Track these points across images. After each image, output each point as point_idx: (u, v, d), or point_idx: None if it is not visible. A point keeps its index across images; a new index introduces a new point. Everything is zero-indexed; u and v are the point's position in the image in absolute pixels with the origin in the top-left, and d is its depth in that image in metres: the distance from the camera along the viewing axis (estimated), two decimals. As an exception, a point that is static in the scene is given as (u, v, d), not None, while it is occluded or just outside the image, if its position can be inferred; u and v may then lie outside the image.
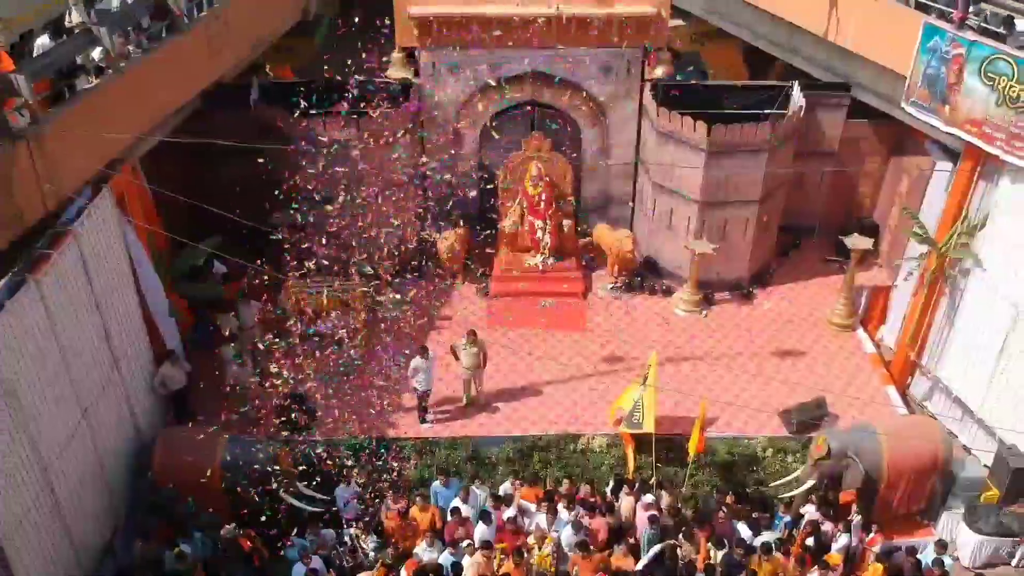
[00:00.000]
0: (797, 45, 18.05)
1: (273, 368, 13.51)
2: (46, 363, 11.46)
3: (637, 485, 13.79)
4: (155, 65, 13.49)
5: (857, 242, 16.66)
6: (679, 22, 22.87)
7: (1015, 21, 13.81)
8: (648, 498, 13.27)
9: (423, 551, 12.64)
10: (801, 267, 18.92)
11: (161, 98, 13.88)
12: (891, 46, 15.53)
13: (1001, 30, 13.87)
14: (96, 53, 12.64)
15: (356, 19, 15.69)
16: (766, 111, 17.63)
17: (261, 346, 14.68)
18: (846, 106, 17.87)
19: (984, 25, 14.10)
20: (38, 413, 11.29)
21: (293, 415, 14.45)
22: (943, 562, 12.67)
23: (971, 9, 14.19)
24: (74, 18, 13.20)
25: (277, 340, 13.99)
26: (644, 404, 13.93)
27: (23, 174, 11.18)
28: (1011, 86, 13.51)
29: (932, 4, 14.86)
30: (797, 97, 17.28)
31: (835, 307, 17.47)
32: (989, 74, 13.83)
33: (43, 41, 12.69)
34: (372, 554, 12.85)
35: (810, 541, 13.01)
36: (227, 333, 15.05)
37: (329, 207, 15.04)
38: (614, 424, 14.52)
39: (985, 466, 14.70)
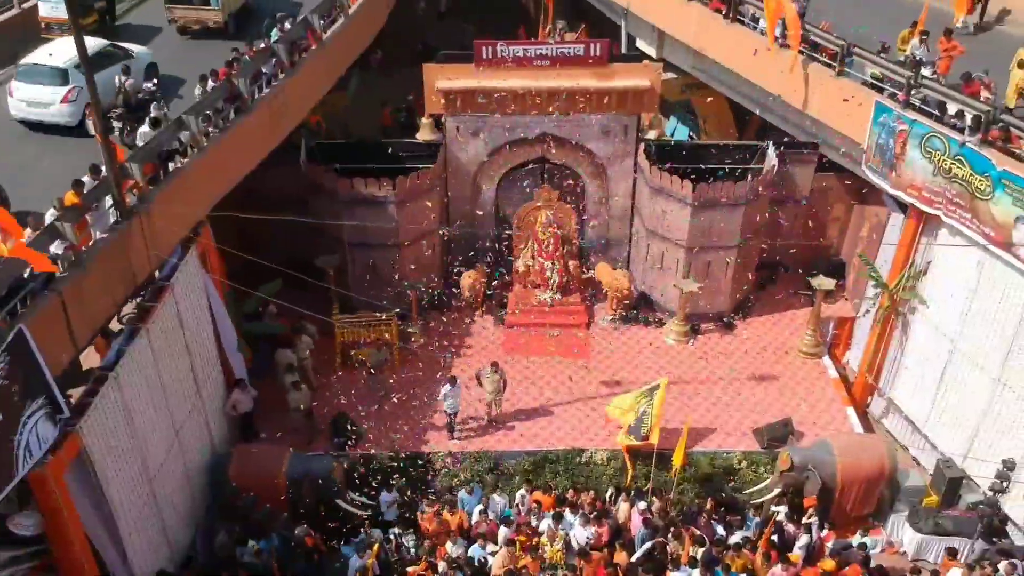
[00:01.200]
0: (772, 106, 20.69)
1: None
2: (152, 395, 14.17)
3: (632, 492, 16.46)
4: (229, 142, 16.17)
5: (822, 283, 19.36)
6: (671, 75, 25.62)
7: (947, 106, 16.47)
8: (642, 504, 15.94)
9: (452, 548, 15.32)
10: (776, 301, 21.61)
11: (234, 168, 16.55)
12: (849, 118, 18.18)
13: (936, 112, 16.54)
14: (184, 136, 15.32)
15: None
16: (744, 167, 20.34)
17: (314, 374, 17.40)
18: (815, 161, 20.54)
19: (923, 107, 16.76)
20: (146, 435, 14.01)
21: (342, 433, 17.16)
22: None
23: (913, 92, 16.84)
24: (152, 111, 15.97)
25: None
26: (651, 420, 16.43)
27: (135, 243, 13.86)
28: (944, 160, 16.19)
29: (882, 85, 17.52)
30: (771, 156, 19.96)
31: (804, 337, 20.16)
32: (927, 148, 16.50)
33: (144, 129, 15.34)
34: (412, 550, 15.52)
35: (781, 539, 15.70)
36: (285, 365, 17.74)
37: (367, 251, 17.76)
38: (616, 428, 17.02)
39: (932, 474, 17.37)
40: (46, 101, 17.10)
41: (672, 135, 28.55)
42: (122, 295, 13.86)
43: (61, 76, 17.12)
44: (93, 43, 16.60)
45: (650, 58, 25.61)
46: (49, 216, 12.86)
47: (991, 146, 15.49)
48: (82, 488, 12.59)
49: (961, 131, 15.93)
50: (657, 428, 16.32)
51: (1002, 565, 15.02)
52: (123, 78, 17.57)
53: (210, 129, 15.79)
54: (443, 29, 36.34)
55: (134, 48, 19.08)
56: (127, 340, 13.65)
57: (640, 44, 26.36)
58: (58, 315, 12.24)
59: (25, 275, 11.84)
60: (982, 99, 16.74)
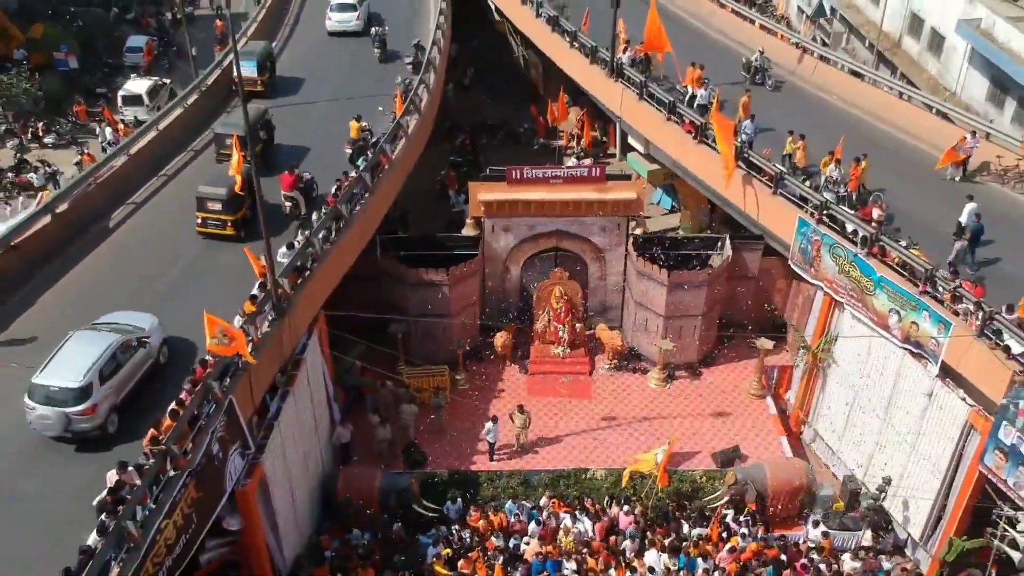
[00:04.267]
0: (730, 207, 27.27)
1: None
2: (295, 435, 20.77)
3: (623, 499, 23.00)
4: (337, 252, 22.73)
5: (763, 343, 26.01)
6: (656, 166, 32.29)
7: (846, 224, 23.08)
8: (626, 508, 22.51)
9: (496, 540, 21.86)
10: (734, 353, 28.22)
11: (339, 269, 23.13)
12: (781, 225, 24.81)
13: (838, 229, 23.17)
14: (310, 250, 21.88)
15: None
16: (708, 253, 27.01)
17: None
18: (762, 248, 27.12)
19: (830, 224, 23.36)
20: (292, 463, 20.60)
21: (413, 458, 23.79)
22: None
23: (824, 213, 23.44)
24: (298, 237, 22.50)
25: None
26: (659, 460, 22.78)
27: (285, 332, 20.43)
28: (844, 264, 22.82)
29: (803, 205, 24.11)
30: (727, 248, 26.59)
31: (752, 383, 26.79)
32: (834, 254, 23.13)
33: (283, 250, 21.81)
34: (467, 541, 22.07)
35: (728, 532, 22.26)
36: (371, 407, 24.39)
37: (426, 320, 24.39)
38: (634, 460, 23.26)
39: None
40: (348, 19, 37.51)
41: (659, 203, 35.41)
42: (278, 368, 20.44)
43: (352, 8, 38.10)
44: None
45: (639, 151, 32.43)
46: (237, 320, 19.35)
47: (874, 257, 22.14)
48: (262, 499, 19.20)
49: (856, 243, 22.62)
50: (664, 469, 22.51)
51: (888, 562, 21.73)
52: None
53: (326, 246, 22.35)
54: (466, 101, 43.14)
55: None
56: (281, 399, 20.28)
57: (631, 140, 33.07)
58: (247, 386, 18.83)
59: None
60: (875, 217, 23.41)
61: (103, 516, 14.77)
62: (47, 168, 35.04)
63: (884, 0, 40.00)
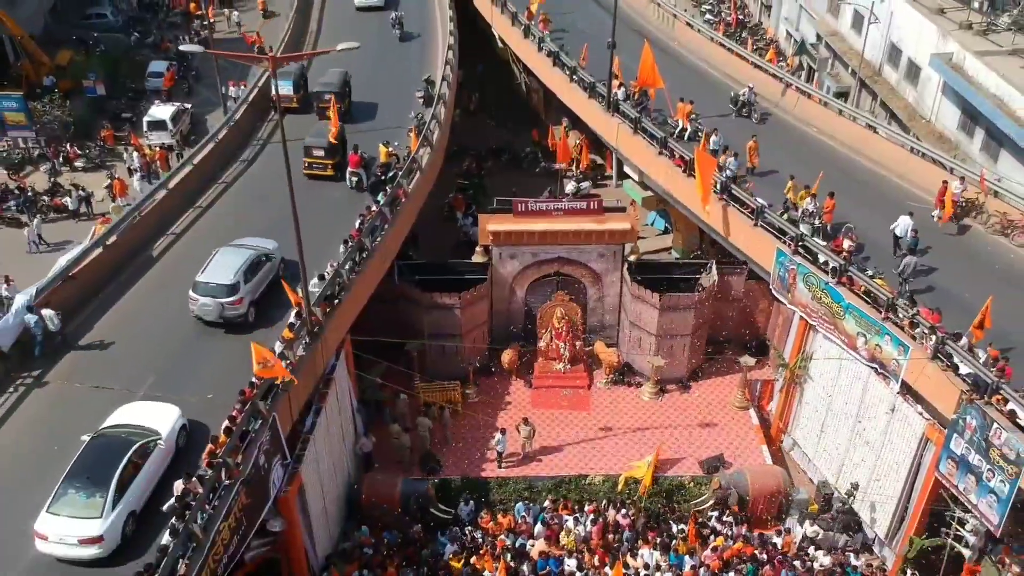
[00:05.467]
0: (715, 233, 29.81)
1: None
2: (325, 446, 23.31)
3: (618, 502, 25.53)
4: (361, 281, 25.24)
5: (746, 361, 28.60)
6: (649, 193, 34.82)
7: (819, 255, 25.60)
8: (623, 511, 25.06)
9: (506, 539, 24.40)
10: (720, 368, 30.78)
11: (363, 296, 25.63)
12: (761, 254, 27.37)
13: (811, 259, 25.72)
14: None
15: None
16: (696, 277, 29.59)
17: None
18: (745, 272, 29.66)
19: (805, 254, 25.91)
20: (323, 469, 23.14)
21: (430, 465, 26.33)
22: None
23: (800, 243, 25.99)
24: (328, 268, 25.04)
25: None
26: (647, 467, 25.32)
27: (318, 354, 22.92)
28: (817, 291, 25.37)
29: (781, 236, 26.67)
30: (713, 272, 29.17)
31: (736, 396, 29.35)
32: (808, 282, 25.70)
33: (315, 281, 24.31)
34: (479, 540, 24.61)
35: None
36: (390, 419, 26.94)
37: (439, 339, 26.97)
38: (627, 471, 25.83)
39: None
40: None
41: (652, 224, 37.94)
42: (312, 386, 22.99)
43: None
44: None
45: (634, 179, 34.97)
46: (278, 346, 21.84)
47: (842, 285, 24.70)
48: (300, 504, 21.74)
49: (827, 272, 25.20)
50: (650, 474, 25.10)
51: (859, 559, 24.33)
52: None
53: (352, 276, 24.89)
54: (471, 125, 45.62)
55: None
56: (315, 415, 22.83)
57: (627, 168, 35.62)
58: (287, 404, 21.37)
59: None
60: (846, 247, 25.95)
61: (174, 520, 17.35)
62: (80, 192, 37.37)
63: (866, 30, 42.62)
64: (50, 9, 52.82)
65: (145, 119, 41.26)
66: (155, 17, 57.08)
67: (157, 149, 39.99)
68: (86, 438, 19.00)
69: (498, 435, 26.57)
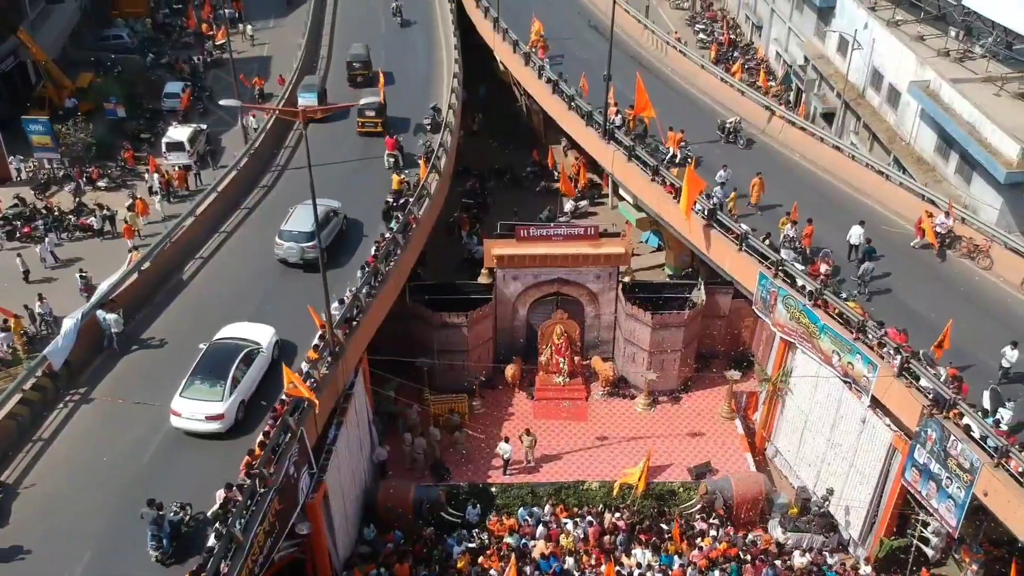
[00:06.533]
0: (704, 255, 32.01)
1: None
2: (346, 456, 25.51)
3: (614, 507, 27.75)
4: (377, 303, 27.46)
5: (732, 375, 30.85)
6: (643, 214, 37.04)
7: (797, 279, 27.85)
8: (618, 514, 27.29)
9: (510, 540, 26.61)
10: (709, 381, 33.03)
11: (379, 317, 27.85)
12: (746, 276, 29.61)
13: (790, 282, 27.96)
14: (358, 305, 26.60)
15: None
16: (686, 296, 31.84)
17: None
18: (731, 292, 31.89)
19: (784, 278, 28.15)
20: (344, 477, 25.35)
21: (439, 472, 28.56)
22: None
23: (780, 268, 28.21)
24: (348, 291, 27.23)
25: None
26: (640, 474, 27.54)
27: (339, 372, 25.13)
28: (795, 312, 27.61)
29: (763, 260, 28.89)
30: (701, 292, 31.43)
31: (723, 407, 31.61)
32: (787, 304, 27.93)
33: (336, 306, 26.47)
34: (485, 541, 26.82)
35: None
36: (404, 428, 29.17)
37: (448, 355, 29.22)
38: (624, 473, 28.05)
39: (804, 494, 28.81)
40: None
41: (647, 242, 40.11)
42: (334, 401, 25.21)
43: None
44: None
45: (629, 201, 37.19)
46: (304, 366, 24.03)
47: (818, 308, 26.94)
48: (325, 509, 23.96)
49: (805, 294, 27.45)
50: (644, 479, 27.36)
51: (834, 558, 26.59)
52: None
53: (370, 300, 27.10)
54: (474, 146, 47.81)
55: None
56: (337, 428, 25.04)
57: (622, 191, 37.85)
58: (312, 419, 23.57)
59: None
60: (823, 271, 28.17)
61: (217, 524, 19.56)
62: (104, 211, 39.42)
63: (849, 55, 44.89)
64: (70, 33, 54.94)
65: (164, 140, 43.37)
66: (168, 38, 59.08)
67: (176, 169, 42.17)
68: (203, 346, 24.04)
69: (502, 444, 28.78)
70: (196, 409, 22.46)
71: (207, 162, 43.86)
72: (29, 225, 38.44)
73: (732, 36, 60.18)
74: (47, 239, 36.44)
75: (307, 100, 38.89)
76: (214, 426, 22.52)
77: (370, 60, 44.90)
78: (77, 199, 41.25)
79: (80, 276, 33.04)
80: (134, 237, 36.68)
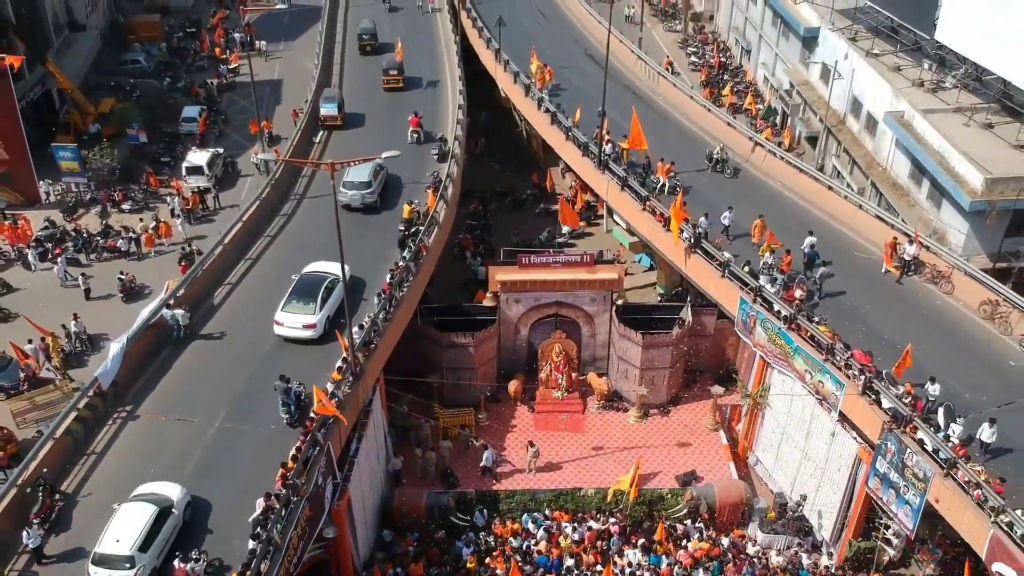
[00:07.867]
0: (691, 280, 34.76)
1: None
2: (365, 465, 28.25)
3: (608, 512, 30.48)
4: (392, 327, 30.17)
5: (716, 390, 33.63)
6: (635, 238, 39.79)
7: (774, 305, 30.60)
8: (612, 519, 30.04)
9: (513, 542, 29.33)
10: (696, 395, 35.80)
11: (393, 339, 30.57)
12: (728, 300, 32.36)
13: (768, 307, 30.71)
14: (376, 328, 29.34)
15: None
16: (674, 317, 34.62)
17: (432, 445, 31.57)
18: (716, 313, 34.64)
19: (764, 305, 30.90)
20: (363, 484, 28.07)
21: (449, 480, 31.33)
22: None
23: (759, 293, 30.96)
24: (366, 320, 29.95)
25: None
26: (631, 481, 30.28)
27: (359, 390, 27.83)
28: (772, 334, 30.38)
29: (744, 286, 31.64)
30: (688, 313, 34.21)
31: (708, 420, 34.39)
32: (765, 326, 30.69)
33: (356, 330, 29.20)
34: (492, 542, 29.53)
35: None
36: (416, 441, 31.92)
37: (455, 372, 32.00)
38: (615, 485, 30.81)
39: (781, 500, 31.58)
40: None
41: (640, 261, 42.83)
42: (355, 417, 27.93)
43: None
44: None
45: (622, 226, 39.93)
46: (329, 386, 26.72)
47: (792, 330, 29.69)
48: (348, 515, 26.69)
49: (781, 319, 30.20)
50: (635, 484, 30.12)
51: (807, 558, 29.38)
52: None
53: (386, 324, 29.82)
54: (476, 169, 50.50)
55: None
56: (358, 441, 27.78)
57: (616, 217, 40.60)
58: (337, 434, 26.29)
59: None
60: (798, 296, 30.90)
61: (257, 529, 22.29)
62: (131, 234, 42.04)
63: (831, 85, 47.68)
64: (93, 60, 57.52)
65: (184, 165, 46.02)
66: (183, 62, 61.63)
67: (193, 193, 44.79)
68: (295, 277, 30.80)
69: (487, 452, 31.56)
70: (295, 320, 29.21)
71: (224, 184, 46.51)
72: (60, 246, 41.05)
73: (723, 59, 62.86)
74: (59, 260, 39.13)
75: (329, 110, 45.38)
76: (308, 333, 29.20)
77: (376, 33, 55.37)
78: (104, 221, 43.87)
79: (119, 278, 36.04)
80: (154, 246, 41.18)
